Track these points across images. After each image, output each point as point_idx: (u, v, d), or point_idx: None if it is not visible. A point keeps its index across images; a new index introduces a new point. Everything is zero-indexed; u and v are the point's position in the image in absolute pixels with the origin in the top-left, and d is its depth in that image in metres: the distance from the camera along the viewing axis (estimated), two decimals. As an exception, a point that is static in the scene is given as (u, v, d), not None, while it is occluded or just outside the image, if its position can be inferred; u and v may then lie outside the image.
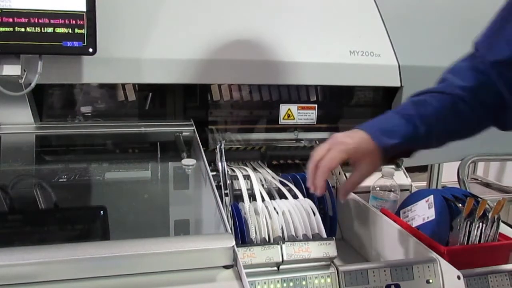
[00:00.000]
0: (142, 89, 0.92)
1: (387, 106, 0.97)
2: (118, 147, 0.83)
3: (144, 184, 0.75)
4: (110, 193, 0.71)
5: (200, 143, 0.78)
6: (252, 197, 0.75)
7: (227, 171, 0.65)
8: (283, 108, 0.93)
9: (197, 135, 0.82)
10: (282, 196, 0.77)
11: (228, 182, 0.68)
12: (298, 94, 0.97)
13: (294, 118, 0.93)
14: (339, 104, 1.01)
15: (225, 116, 0.93)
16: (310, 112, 0.94)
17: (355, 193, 0.85)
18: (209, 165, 0.70)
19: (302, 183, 0.80)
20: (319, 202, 0.79)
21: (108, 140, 0.83)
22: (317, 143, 0.89)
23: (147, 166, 0.81)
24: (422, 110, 0.55)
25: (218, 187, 0.64)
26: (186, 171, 0.75)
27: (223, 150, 0.64)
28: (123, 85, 0.89)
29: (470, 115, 0.54)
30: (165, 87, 0.91)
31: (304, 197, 0.78)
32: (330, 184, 0.81)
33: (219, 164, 0.63)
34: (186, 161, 0.75)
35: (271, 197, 0.77)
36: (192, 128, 0.86)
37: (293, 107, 0.94)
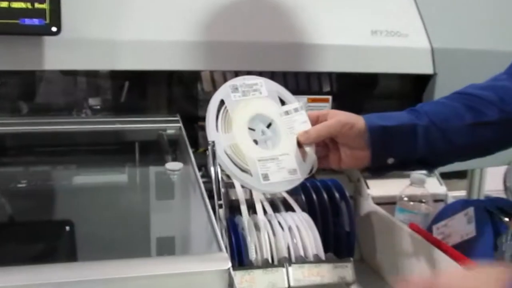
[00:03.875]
0: (117, 77, 0.92)
1: (417, 98, 0.97)
2: (88, 148, 0.84)
3: (120, 193, 0.77)
4: (78, 204, 0.72)
5: (188, 143, 0.78)
6: (252, 209, 0.75)
7: (221, 178, 0.64)
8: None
9: (185, 134, 0.83)
10: (289, 208, 0.77)
11: (223, 190, 0.67)
12: (308, 83, 0.96)
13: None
14: (359, 96, 1.01)
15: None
16: (323, 106, 0.94)
17: (377, 204, 0.85)
18: (199, 169, 0.70)
19: (313, 191, 0.80)
20: (334, 215, 0.80)
21: (76, 139, 0.84)
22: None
23: (123, 171, 0.83)
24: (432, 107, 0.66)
25: (210, 197, 0.63)
26: (171, 177, 0.76)
27: (216, 152, 0.63)
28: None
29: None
30: (145, 74, 0.91)
31: (316, 209, 0.78)
32: (347, 194, 0.81)
33: (211, 168, 0.63)
34: (171, 165, 0.76)
35: (275, 209, 0.77)
36: (179, 125, 0.87)
37: (303, 99, 0.94)
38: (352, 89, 1.00)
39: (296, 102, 0.69)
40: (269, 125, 0.67)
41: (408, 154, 0.65)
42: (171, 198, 0.77)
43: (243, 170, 0.64)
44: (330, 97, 0.95)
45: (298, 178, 0.65)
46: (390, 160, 0.65)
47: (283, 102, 0.69)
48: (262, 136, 0.66)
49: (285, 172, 0.64)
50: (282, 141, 0.66)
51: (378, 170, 0.68)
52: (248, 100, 0.67)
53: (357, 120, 0.64)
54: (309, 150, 0.66)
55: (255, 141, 0.66)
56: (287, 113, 0.68)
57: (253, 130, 0.66)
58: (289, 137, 0.66)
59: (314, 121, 0.67)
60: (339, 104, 0.96)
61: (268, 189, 0.65)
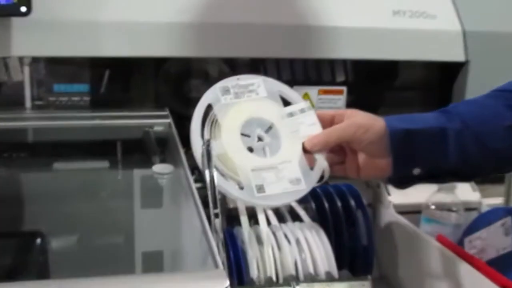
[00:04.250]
0: (96, 65, 0.93)
1: (446, 89, 0.97)
2: (62, 148, 0.84)
3: (99, 201, 0.78)
4: (50, 214, 0.73)
5: (179, 142, 0.79)
6: (254, 219, 0.75)
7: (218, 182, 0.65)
8: (298, 92, 0.94)
9: (175, 131, 0.83)
10: (296, 217, 0.78)
11: (219, 197, 0.68)
12: (319, 72, 0.96)
13: (313, 106, 0.93)
14: (378, 87, 1.01)
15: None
16: (337, 98, 0.94)
17: (400, 213, 0.86)
18: (192, 173, 0.71)
19: (324, 199, 0.81)
20: (349, 226, 0.80)
21: (47, 138, 0.85)
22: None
23: (103, 174, 0.83)
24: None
25: (205, 205, 0.63)
26: (159, 182, 0.77)
27: (211, 151, 0.63)
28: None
29: None
30: (128, 62, 0.91)
31: (328, 219, 0.79)
32: (364, 201, 0.81)
33: (206, 171, 0.63)
34: (159, 168, 0.77)
35: (281, 219, 0.77)
36: (168, 120, 0.87)
37: (312, 91, 0.93)
38: (370, 79, 0.99)
39: (302, 102, 0.70)
40: (268, 130, 0.68)
41: (437, 163, 0.64)
42: (159, 206, 0.77)
43: (231, 181, 0.64)
44: (344, 88, 0.95)
45: (302, 189, 0.65)
46: (416, 171, 0.64)
47: (288, 104, 0.70)
48: (258, 142, 0.67)
49: (285, 183, 0.64)
50: (284, 147, 0.66)
51: (403, 182, 0.68)
52: (241, 103, 0.67)
53: (374, 123, 0.64)
54: (318, 156, 0.66)
55: (250, 149, 0.66)
56: (291, 114, 0.68)
57: (248, 136, 0.67)
58: (292, 142, 0.67)
59: (328, 123, 0.67)
60: (355, 97, 0.96)
61: (264, 203, 0.65)
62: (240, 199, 0.63)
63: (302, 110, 0.68)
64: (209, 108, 0.66)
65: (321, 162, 0.66)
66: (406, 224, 0.84)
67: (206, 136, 0.64)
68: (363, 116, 0.65)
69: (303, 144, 0.66)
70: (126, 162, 0.84)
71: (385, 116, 0.64)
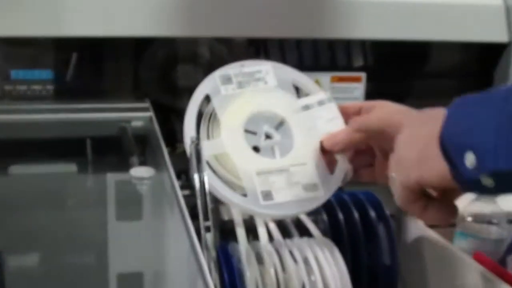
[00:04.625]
0: (62, 47, 0.93)
1: (485, 75, 0.98)
2: (20, 147, 0.85)
3: (66, 212, 0.77)
4: (7, 226, 0.72)
5: (162, 141, 0.79)
6: (252, 233, 0.75)
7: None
8: None
9: (157, 127, 0.83)
10: (304, 231, 0.77)
11: (211, 206, 0.68)
12: (332, 55, 0.97)
13: None
14: (404, 74, 1.02)
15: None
16: (353, 87, 0.95)
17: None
18: (178, 177, 0.71)
19: (338, 209, 0.80)
20: (368, 241, 0.80)
21: (4, 135, 0.85)
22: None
23: (70, 179, 0.84)
24: None
25: (194, 216, 0.64)
26: (138, 189, 0.77)
27: (201, 151, 0.63)
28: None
29: None
30: (101, 44, 0.92)
31: (343, 233, 0.78)
32: (386, 212, 0.81)
33: (195, 176, 0.64)
34: (138, 171, 0.77)
35: (286, 233, 0.76)
36: (149, 114, 0.88)
37: (324, 78, 0.94)
38: (394, 64, 1.00)
39: (321, 93, 0.70)
40: (278, 126, 0.68)
41: None
42: (138, 218, 0.78)
43: (232, 187, 0.65)
44: (363, 75, 0.95)
45: (320, 196, 0.66)
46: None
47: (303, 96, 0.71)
48: (266, 141, 0.67)
49: (298, 189, 0.65)
50: (297, 147, 0.67)
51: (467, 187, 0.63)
52: (246, 94, 0.68)
53: (408, 117, 0.63)
54: (340, 157, 0.67)
55: (256, 149, 0.67)
56: (306, 107, 0.69)
57: (254, 133, 0.67)
58: (308, 141, 0.67)
59: (353, 117, 0.67)
60: (376, 85, 0.96)
61: (272, 213, 0.65)
62: (242, 207, 0.64)
63: (321, 102, 0.69)
64: (206, 100, 0.67)
65: (343, 164, 0.67)
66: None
67: (203, 134, 0.65)
68: (398, 108, 0.64)
69: (321, 143, 0.67)
70: (98, 164, 0.85)
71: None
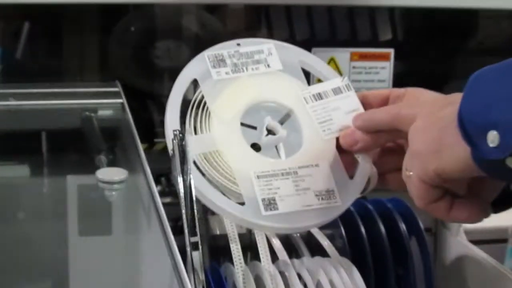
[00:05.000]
0: (10, 16, 0.92)
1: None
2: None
3: (16, 225, 0.75)
4: None
5: (136, 135, 0.79)
6: (252, 251, 0.75)
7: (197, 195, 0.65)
8: (320, 57, 0.93)
9: (131, 117, 0.83)
10: (317, 249, 0.77)
11: (199, 217, 0.66)
12: (352, 27, 0.97)
13: None
14: (442, 50, 1.02)
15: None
16: (380, 66, 0.95)
17: (474, 243, 0.85)
18: (157, 181, 0.73)
19: (360, 221, 0.80)
20: (397, 261, 0.80)
21: None
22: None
23: (22, 185, 0.82)
24: None
25: (177, 230, 0.64)
26: (107, 195, 0.76)
27: (186, 148, 0.62)
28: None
29: None
30: (60, 12, 0.92)
31: (365, 251, 0.78)
32: (421, 225, 0.81)
33: (179, 179, 0.63)
34: (107, 174, 0.76)
35: (293, 251, 0.77)
36: (120, 101, 0.87)
37: (341, 55, 0.94)
38: (429, 38, 1.00)
39: (336, 78, 0.70)
40: (284, 119, 0.68)
41: None
42: (107, 233, 0.76)
43: (226, 194, 0.64)
44: (391, 52, 0.96)
45: (336, 206, 0.65)
46: None
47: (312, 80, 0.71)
48: (268, 137, 0.67)
49: (309, 196, 0.64)
50: (307, 145, 0.67)
51: (499, 201, 0.65)
52: (243, 79, 0.68)
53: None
54: (362, 157, 0.66)
55: (256, 146, 0.66)
56: (319, 96, 0.68)
57: (253, 128, 0.67)
58: (321, 137, 0.67)
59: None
60: (407, 64, 0.96)
61: (276, 225, 0.64)
62: (238, 219, 0.63)
63: (337, 90, 0.68)
64: (193, 86, 0.67)
65: (366, 167, 0.66)
66: (484, 257, 0.84)
67: (189, 128, 0.65)
68: (433, 98, 0.64)
69: (337, 140, 0.66)
70: (56, 165, 0.84)
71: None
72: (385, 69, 0.95)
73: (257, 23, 0.97)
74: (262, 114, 0.68)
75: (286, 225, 0.64)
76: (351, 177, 0.66)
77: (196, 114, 0.66)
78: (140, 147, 0.76)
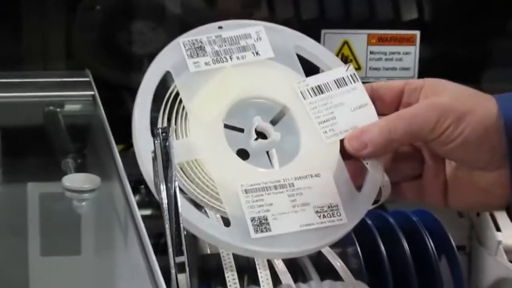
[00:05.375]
0: None
1: None
2: None
3: None
4: None
5: (110, 134, 0.79)
6: (250, 274, 0.76)
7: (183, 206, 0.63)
8: (331, 41, 0.93)
9: (104, 114, 0.83)
10: (328, 272, 0.77)
11: (185, 233, 0.64)
12: (370, 4, 0.98)
13: (359, 67, 0.94)
14: (478, 33, 1.02)
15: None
16: (403, 51, 0.95)
17: None
18: (135, 190, 0.72)
19: (378, 237, 0.80)
20: (424, 285, 0.80)
21: None
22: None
23: None
24: None
25: (159, 248, 0.65)
26: (75, 207, 0.76)
27: (171, 150, 0.61)
28: None
29: None
30: None
31: (386, 273, 0.78)
32: (452, 242, 0.81)
33: (162, 187, 0.61)
34: (75, 180, 0.76)
35: (300, 274, 0.77)
36: (91, 93, 0.88)
37: (356, 38, 0.95)
38: (463, 19, 1.01)
39: (340, 67, 0.69)
40: (277, 119, 0.67)
41: None
42: (75, 253, 0.76)
43: (208, 212, 0.64)
44: (416, 34, 0.97)
45: (341, 224, 0.64)
46: None
47: (310, 70, 0.69)
48: (258, 141, 0.66)
49: (309, 214, 0.63)
50: (306, 150, 0.66)
51: None
52: (227, 70, 0.67)
53: (478, 105, 0.64)
54: (372, 165, 0.66)
55: (243, 153, 0.66)
56: (319, 90, 0.68)
57: (240, 130, 0.66)
58: (321, 141, 0.66)
59: (391, 103, 0.67)
60: (436, 49, 0.97)
61: (269, 251, 0.63)
62: (222, 243, 0.63)
63: (341, 82, 0.68)
64: (167, 78, 0.66)
65: (376, 175, 0.66)
66: None
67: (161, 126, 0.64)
68: (457, 91, 0.65)
69: (342, 143, 0.66)
70: (14, 170, 0.84)
71: (497, 94, 0.64)
72: (410, 54, 0.95)
73: (254, 1, 0.97)
74: (250, 113, 0.67)
75: (281, 249, 0.63)
76: (359, 188, 0.66)
77: (170, 115, 0.65)
78: (115, 149, 0.76)
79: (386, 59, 0.96)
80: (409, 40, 0.95)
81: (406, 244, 0.79)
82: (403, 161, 0.68)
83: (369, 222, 0.80)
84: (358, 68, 0.96)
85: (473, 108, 0.63)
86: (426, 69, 0.96)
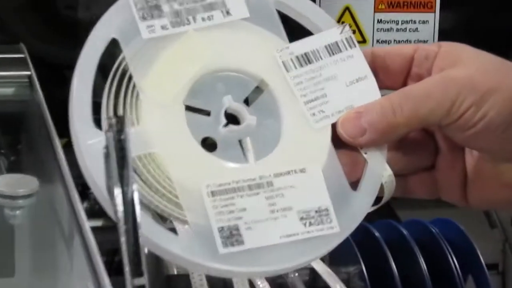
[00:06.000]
0: None
1: None
2: None
3: None
4: None
5: (51, 124, 0.81)
6: None
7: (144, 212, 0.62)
8: (329, 7, 0.94)
9: (42, 97, 0.83)
10: None
11: (146, 252, 0.65)
12: None
13: (364, 40, 0.95)
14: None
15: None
16: (420, 19, 0.96)
17: None
18: (83, 195, 0.73)
19: (389, 252, 0.81)
20: None
21: None
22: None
23: None
24: None
25: (112, 268, 0.69)
26: (7, 216, 0.78)
27: (127, 145, 0.60)
28: None
29: None
30: None
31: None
32: (481, 260, 0.82)
33: (116, 190, 0.60)
34: (8, 183, 0.78)
35: None
36: (27, 73, 0.88)
37: (362, 3, 0.95)
38: None
39: (332, 28, 0.69)
40: (252, 99, 0.67)
41: None
42: (8, 274, 0.78)
43: (165, 220, 0.63)
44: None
45: (333, 233, 0.64)
46: None
47: (295, 34, 0.69)
48: (228, 128, 0.65)
49: (292, 221, 0.63)
50: (288, 138, 0.66)
51: None
52: (189, 36, 0.66)
53: (506, 81, 0.64)
54: (371, 155, 0.66)
55: (209, 143, 0.65)
56: (306, 59, 0.68)
57: (206, 113, 0.66)
58: (309, 125, 0.66)
59: (396, 74, 0.68)
60: (459, 16, 0.98)
61: (242, 270, 0.63)
62: (182, 260, 0.62)
63: (334, 48, 0.68)
64: (113, 48, 0.65)
65: (377, 168, 0.66)
66: None
67: (107, 112, 0.63)
68: (481, 61, 0.66)
69: (335, 129, 0.66)
70: None
71: None
72: (428, 24, 0.96)
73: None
74: (219, 91, 0.66)
75: (256, 267, 0.63)
76: (355, 185, 0.65)
77: (117, 95, 0.64)
78: (58, 143, 0.76)
79: (399, 30, 0.97)
80: (426, 6, 0.95)
81: (424, 262, 0.80)
82: (411, 149, 0.68)
83: (377, 234, 0.81)
84: (363, 41, 0.97)
85: (499, 84, 0.64)
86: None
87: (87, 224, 0.65)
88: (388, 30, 0.96)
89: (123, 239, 0.58)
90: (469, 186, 0.67)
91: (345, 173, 0.64)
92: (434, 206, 0.84)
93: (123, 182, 0.59)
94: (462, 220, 0.84)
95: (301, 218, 0.62)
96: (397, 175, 0.65)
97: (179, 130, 0.63)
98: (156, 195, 0.61)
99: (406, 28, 0.96)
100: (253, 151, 0.64)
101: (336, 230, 0.62)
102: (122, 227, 0.59)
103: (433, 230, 0.82)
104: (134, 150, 0.60)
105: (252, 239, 0.61)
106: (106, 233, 0.67)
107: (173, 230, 0.63)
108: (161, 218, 0.62)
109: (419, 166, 0.68)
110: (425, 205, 0.78)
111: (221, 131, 0.63)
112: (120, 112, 0.63)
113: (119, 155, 0.59)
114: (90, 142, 0.60)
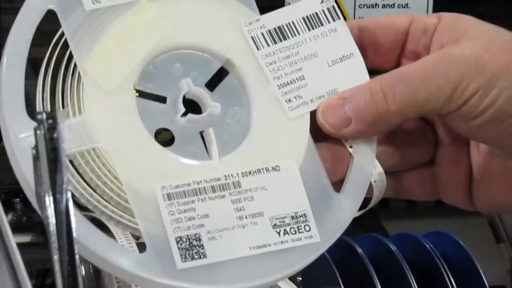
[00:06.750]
0: None
1: None
2: None
3: None
4: None
5: None
6: None
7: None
8: None
9: None
10: None
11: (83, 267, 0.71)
12: None
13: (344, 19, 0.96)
14: None
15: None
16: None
17: None
18: (9, 204, 0.77)
19: (374, 273, 0.84)
20: None
21: None
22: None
23: None
24: None
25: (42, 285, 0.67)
26: None
27: (60, 144, 0.63)
28: None
29: None
30: None
31: None
32: (485, 281, 0.85)
33: (47, 199, 0.63)
34: None
35: None
36: None
37: None
38: None
39: None
40: (217, 82, 0.69)
41: None
42: None
43: (113, 230, 0.68)
44: None
45: (312, 243, 0.67)
46: None
47: (267, 4, 0.71)
48: (187, 117, 0.68)
49: (263, 229, 0.66)
50: (260, 130, 0.69)
51: None
52: (140, 6, 0.68)
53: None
54: (359, 151, 0.69)
55: (164, 136, 0.68)
56: (280, 34, 0.71)
57: (161, 100, 0.68)
58: (284, 114, 0.69)
59: (392, 52, 0.71)
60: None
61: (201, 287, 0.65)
62: (132, 276, 0.64)
63: (314, 20, 0.71)
64: (50, 21, 0.67)
65: (365, 166, 0.69)
66: None
67: (40, 105, 0.65)
68: (487, 36, 0.68)
69: (314, 118, 0.69)
70: None
71: None
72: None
73: None
74: (176, 73, 0.68)
75: (220, 286, 0.65)
76: (339, 186, 0.68)
77: (55, 79, 0.65)
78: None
79: (385, 6, 0.98)
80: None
81: (415, 284, 0.82)
82: (406, 142, 0.71)
83: (360, 251, 0.82)
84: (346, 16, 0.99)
85: (510, 64, 0.66)
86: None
87: (13, 240, 0.66)
88: (372, 6, 0.96)
89: (55, 257, 0.62)
90: (474, 185, 0.70)
91: (327, 171, 0.67)
92: (427, 216, 0.86)
93: (56, 189, 0.62)
94: (462, 233, 0.84)
95: (275, 225, 0.65)
96: (388, 172, 0.68)
97: (128, 120, 0.65)
98: (101, 198, 0.63)
99: (394, 4, 0.97)
100: (217, 145, 0.66)
101: (316, 240, 0.65)
102: (54, 243, 0.62)
103: (427, 245, 0.84)
104: (75, 144, 0.62)
105: (215, 252, 0.63)
106: (36, 250, 0.69)
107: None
108: (107, 227, 0.64)
109: (415, 162, 0.71)
110: (417, 215, 0.79)
111: (179, 121, 0.66)
112: (59, 99, 0.63)
113: (50, 157, 0.62)
114: (22, 136, 0.62)
